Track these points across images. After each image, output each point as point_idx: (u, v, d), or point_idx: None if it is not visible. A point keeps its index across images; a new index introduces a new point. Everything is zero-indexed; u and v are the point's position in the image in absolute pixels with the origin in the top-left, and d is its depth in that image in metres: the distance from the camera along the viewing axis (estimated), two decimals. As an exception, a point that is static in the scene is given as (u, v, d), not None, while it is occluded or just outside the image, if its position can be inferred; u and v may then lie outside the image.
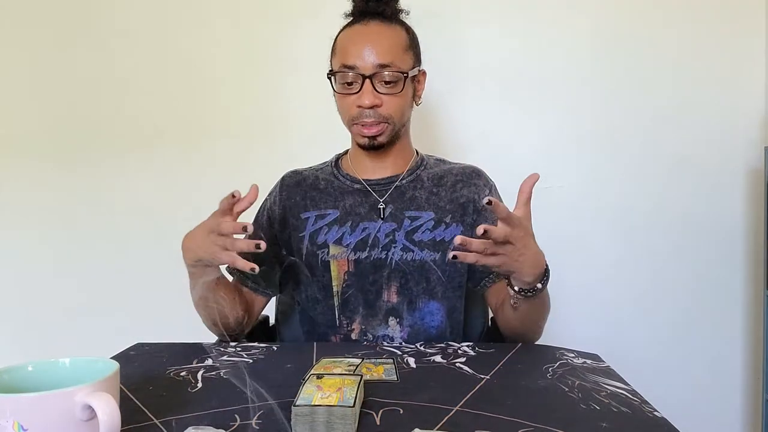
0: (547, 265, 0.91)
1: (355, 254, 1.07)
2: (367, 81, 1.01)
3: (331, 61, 1.09)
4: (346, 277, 1.07)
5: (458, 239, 0.78)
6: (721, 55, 1.68)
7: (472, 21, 1.70)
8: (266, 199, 1.18)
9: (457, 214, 1.10)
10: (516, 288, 0.91)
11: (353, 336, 1.07)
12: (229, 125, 1.75)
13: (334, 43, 1.09)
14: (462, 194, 1.11)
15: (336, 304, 1.07)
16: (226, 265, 1.14)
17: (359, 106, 1.03)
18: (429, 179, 1.13)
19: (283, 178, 1.19)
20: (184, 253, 0.96)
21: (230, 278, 1.16)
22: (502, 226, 0.79)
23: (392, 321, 1.06)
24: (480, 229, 0.77)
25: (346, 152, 1.20)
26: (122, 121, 1.77)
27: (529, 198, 0.84)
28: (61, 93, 1.77)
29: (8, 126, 1.79)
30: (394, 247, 1.07)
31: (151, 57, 1.75)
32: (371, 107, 1.02)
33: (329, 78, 1.07)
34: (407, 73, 1.04)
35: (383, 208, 1.09)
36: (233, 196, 0.88)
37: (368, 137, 1.05)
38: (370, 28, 1.04)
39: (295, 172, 1.19)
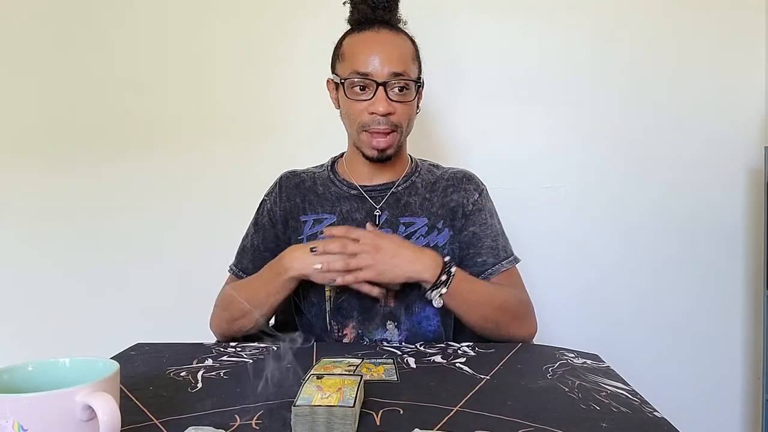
0: (445, 260, 0.98)
1: None
2: (381, 88, 1.01)
3: (335, 66, 1.09)
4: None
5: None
6: (721, 55, 1.68)
7: (472, 21, 1.70)
8: (265, 200, 1.18)
9: (447, 218, 1.11)
10: (427, 287, 0.97)
11: (345, 341, 1.07)
12: (229, 125, 1.75)
13: (340, 49, 1.08)
14: (452, 199, 1.12)
15: (327, 309, 1.08)
16: (231, 265, 1.15)
17: (372, 113, 1.03)
18: (423, 185, 1.14)
19: (280, 178, 1.18)
20: (290, 270, 0.99)
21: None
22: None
23: (390, 325, 1.07)
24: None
25: (341, 155, 1.20)
26: (122, 120, 1.76)
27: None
28: (60, 93, 1.77)
29: (7, 126, 1.79)
30: None
31: (150, 56, 1.75)
32: (385, 114, 1.02)
33: (339, 84, 1.06)
34: (418, 81, 1.06)
35: (379, 215, 1.10)
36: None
37: (378, 150, 1.05)
38: (381, 36, 1.04)
39: (293, 173, 1.19)
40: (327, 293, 1.08)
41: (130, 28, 1.75)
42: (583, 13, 1.68)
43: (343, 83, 1.05)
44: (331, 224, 1.10)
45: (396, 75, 1.02)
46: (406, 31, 1.10)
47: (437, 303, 0.98)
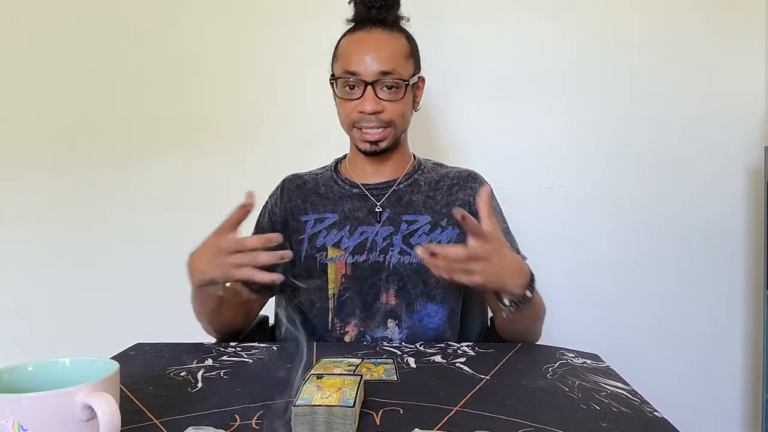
0: (531, 272, 0.92)
1: (353, 257, 1.08)
2: (369, 87, 1.02)
3: (332, 66, 1.10)
4: (343, 280, 1.08)
5: (419, 250, 0.83)
6: (721, 56, 1.68)
7: (471, 22, 1.70)
8: (267, 202, 1.18)
9: (452, 217, 1.10)
10: (507, 302, 0.92)
11: (347, 339, 1.07)
12: (229, 127, 1.75)
13: (336, 48, 1.09)
14: (458, 197, 1.12)
15: (331, 307, 1.08)
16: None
17: (361, 112, 1.04)
18: (426, 183, 1.14)
19: (283, 181, 1.19)
20: (191, 275, 0.94)
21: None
22: (470, 243, 0.83)
23: (391, 323, 1.07)
24: (458, 213, 0.81)
25: (344, 157, 1.21)
26: (122, 122, 1.76)
27: (490, 211, 0.88)
28: (61, 95, 1.77)
29: (10, 128, 1.79)
30: (392, 251, 1.08)
31: (151, 58, 1.75)
32: (373, 113, 1.03)
33: (331, 84, 1.08)
34: (408, 81, 1.05)
35: (380, 212, 1.10)
36: (244, 207, 0.86)
37: (370, 142, 1.06)
38: (372, 35, 1.05)
39: (296, 176, 1.19)
40: (330, 291, 1.08)
41: (129, 31, 1.75)
42: (583, 13, 1.68)
43: (335, 83, 1.07)
44: (333, 222, 1.11)
45: (384, 74, 1.02)
46: (406, 28, 1.10)
47: (507, 314, 0.93)
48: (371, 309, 1.07)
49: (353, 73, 1.03)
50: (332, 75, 1.09)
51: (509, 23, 1.70)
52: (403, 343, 1.01)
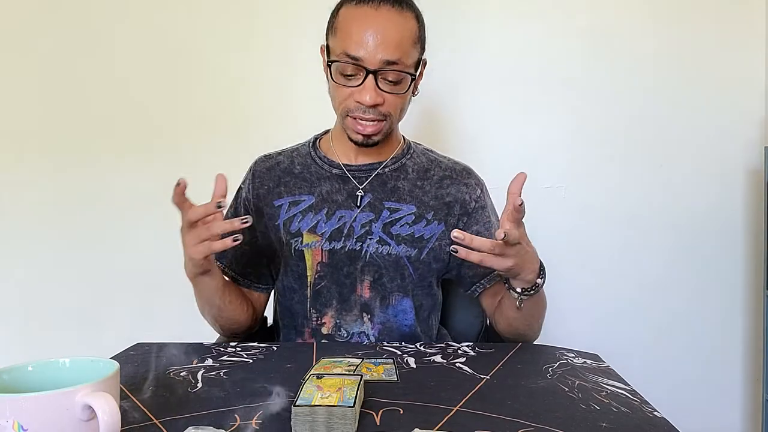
0: (541, 261, 0.91)
1: (329, 244, 1.01)
2: (371, 77, 0.91)
3: (327, 36, 0.97)
4: (318, 268, 1.01)
5: (456, 233, 0.79)
6: (721, 56, 1.68)
7: (474, 20, 1.70)
8: (240, 188, 1.10)
9: (440, 212, 1.04)
10: (519, 289, 0.90)
11: (324, 330, 1.02)
12: (228, 124, 1.75)
13: (335, 16, 0.96)
14: (449, 192, 1.05)
15: (308, 295, 1.03)
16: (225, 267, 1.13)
17: (358, 101, 0.93)
18: (414, 170, 1.06)
19: (255, 163, 1.10)
20: (185, 270, 0.93)
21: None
22: (509, 228, 0.80)
23: (366, 317, 1.01)
24: (500, 233, 0.78)
25: (326, 132, 1.11)
26: (121, 122, 1.76)
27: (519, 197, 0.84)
28: (60, 93, 1.77)
29: (8, 126, 1.79)
30: (370, 239, 1.01)
31: (149, 58, 1.75)
32: (372, 105, 0.93)
33: (330, 64, 0.95)
34: (414, 74, 0.95)
35: (361, 196, 1.02)
36: (178, 184, 0.84)
37: (363, 135, 0.96)
38: (380, 14, 0.91)
39: (267, 157, 1.10)
40: (309, 278, 1.02)
41: (128, 29, 1.75)
42: (585, 15, 1.68)
43: (330, 65, 0.95)
44: (309, 205, 1.03)
45: (389, 63, 0.90)
46: (414, 2, 0.98)
47: (519, 304, 0.90)
48: (348, 301, 1.01)
49: (354, 58, 0.90)
50: (327, 49, 0.96)
51: (513, 22, 1.70)
52: (403, 344, 0.99)
